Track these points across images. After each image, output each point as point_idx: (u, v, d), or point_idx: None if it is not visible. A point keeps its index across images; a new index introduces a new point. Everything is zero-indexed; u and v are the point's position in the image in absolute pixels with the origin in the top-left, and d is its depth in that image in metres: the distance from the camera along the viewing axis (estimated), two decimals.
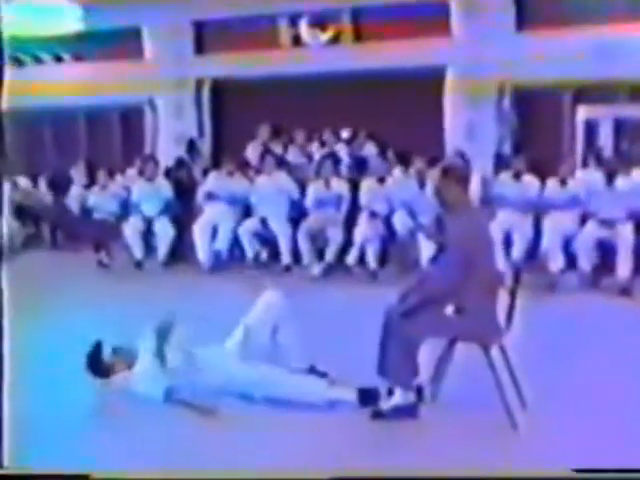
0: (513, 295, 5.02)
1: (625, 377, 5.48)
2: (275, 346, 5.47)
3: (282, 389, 5.12)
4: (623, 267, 8.63)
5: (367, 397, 5.05)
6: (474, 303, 4.82)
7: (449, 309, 4.94)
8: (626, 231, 8.73)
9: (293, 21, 12.76)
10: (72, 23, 12.39)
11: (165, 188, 10.95)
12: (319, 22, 12.60)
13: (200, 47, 13.42)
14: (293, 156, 12.02)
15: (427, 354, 5.01)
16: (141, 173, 11.24)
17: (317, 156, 11.61)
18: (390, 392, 5.00)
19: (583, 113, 11.55)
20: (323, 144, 12.27)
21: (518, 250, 9.00)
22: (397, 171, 10.39)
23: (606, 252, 8.90)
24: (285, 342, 5.49)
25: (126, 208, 11.02)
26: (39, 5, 11.91)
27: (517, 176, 9.54)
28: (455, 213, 5.02)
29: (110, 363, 5.41)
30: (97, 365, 5.40)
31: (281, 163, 11.00)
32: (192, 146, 12.58)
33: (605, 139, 11.37)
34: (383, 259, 9.77)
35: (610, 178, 9.05)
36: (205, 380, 5.18)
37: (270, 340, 5.48)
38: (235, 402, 5.09)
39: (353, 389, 5.10)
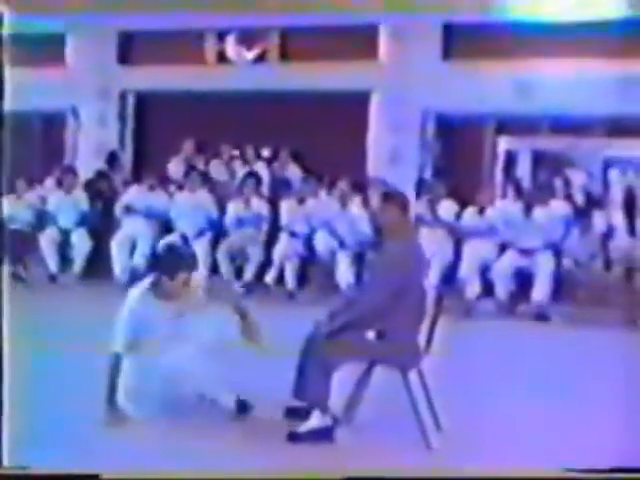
0: (434, 320, 5.03)
1: (539, 401, 5.54)
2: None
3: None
4: (540, 293, 8.80)
5: (294, 414, 4.99)
6: (397, 327, 4.80)
7: (370, 333, 4.91)
8: (544, 259, 8.90)
9: (220, 37, 12.72)
10: None
11: (83, 200, 10.77)
12: (246, 39, 12.58)
13: (125, 58, 13.26)
14: (216, 173, 11.93)
15: (344, 376, 4.97)
16: (59, 183, 11.04)
17: (239, 174, 11.54)
18: (305, 414, 4.94)
19: (503, 144, 11.76)
20: (246, 162, 12.21)
21: (438, 275, 9.07)
22: (319, 192, 10.41)
23: (523, 280, 9.06)
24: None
25: (42, 219, 10.78)
26: None
27: (435, 202, 9.64)
28: (392, 239, 4.99)
29: None
30: None
31: (204, 180, 10.91)
32: (113, 158, 12.38)
33: (524, 170, 11.58)
34: (303, 280, 9.75)
35: (528, 208, 9.22)
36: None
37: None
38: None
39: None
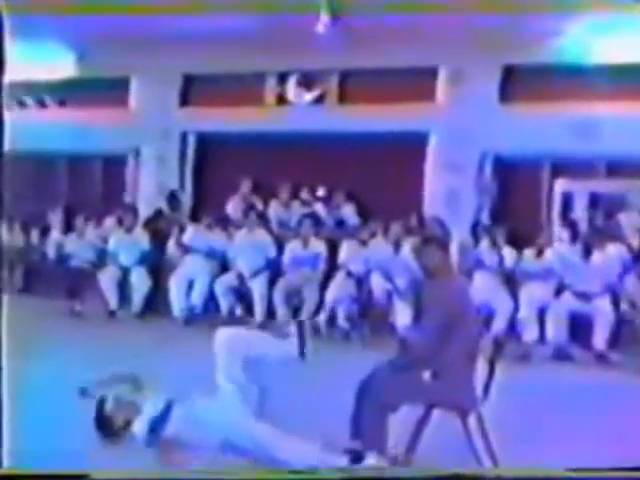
0: (492, 364, 5.02)
1: (599, 447, 5.47)
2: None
3: (278, 450, 5.03)
4: (600, 338, 8.71)
5: (356, 460, 4.98)
6: (451, 370, 4.82)
7: (426, 374, 4.93)
8: (602, 304, 8.82)
9: (281, 79, 12.90)
10: (62, 69, 12.45)
11: (143, 239, 10.94)
12: (306, 82, 12.74)
13: (187, 100, 13.51)
14: (274, 213, 12.05)
15: (402, 418, 4.98)
16: (120, 222, 11.24)
17: (297, 214, 11.64)
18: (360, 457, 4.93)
19: (560, 186, 11.69)
20: (303, 202, 12.31)
21: (499, 321, 9.02)
22: (374, 234, 10.44)
23: (579, 324, 8.97)
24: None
25: (103, 257, 10.98)
26: (34, 49, 11.93)
27: (495, 245, 9.61)
28: (435, 279, 5.06)
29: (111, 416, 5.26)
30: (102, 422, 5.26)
31: (262, 219, 11.03)
32: (173, 198, 12.58)
33: (581, 213, 11.49)
34: (358, 320, 9.75)
35: (585, 251, 9.15)
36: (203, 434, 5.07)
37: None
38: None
39: (343, 454, 5.00)
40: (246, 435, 4.98)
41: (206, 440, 4.98)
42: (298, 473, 3.94)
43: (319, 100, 12.77)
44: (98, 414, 5.08)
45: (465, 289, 5.27)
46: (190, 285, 10.40)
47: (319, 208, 12.03)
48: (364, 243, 10.17)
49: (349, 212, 12.01)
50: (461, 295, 5.15)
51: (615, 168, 11.26)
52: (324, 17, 10.21)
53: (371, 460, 4.84)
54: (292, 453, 4.96)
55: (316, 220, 10.87)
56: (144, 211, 11.90)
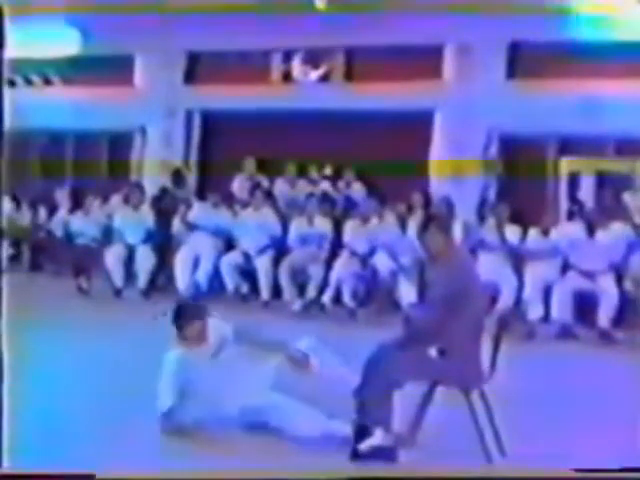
0: (497, 342, 5.04)
1: (603, 426, 5.49)
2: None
3: (286, 418, 5.14)
4: (604, 317, 8.72)
5: (362, 433, 5.02)
6: (458, 347, 4.85)
7: (433, 351, 4.95)
8: (607, 283, 8.81)
9: (286, 57, 12.87)
10: (67, 47, 12.44)
11: (149, 217, 10.94)
12: (312, 59, 12.70)
13: (191, 78, 13.49)
14: (280, 191, 12.04)
15: (406, 398, 4.99)
16: (126, 200, 11.24)
17: (303, 192, 11.63)
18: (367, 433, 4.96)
19: (567, 165, 11.67)
20: (310, 181, 12.31)
21: (505, 299, 9.00)
22: (381, 212, 10.43)
23: (585, 302, 8.97)
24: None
25: (109, 235, 10.99)
26: (36, 27, 11.93)
27: (500, 224, 9.60)
28: (438, 259, 5.08)
29: None
30: None
31: (268, 198, 11.02)
32: (178, 175, 12.56)
33: (587, 191, 11.47)
34: (363, 299, 9.76)
35: (591, 230, 9.14)
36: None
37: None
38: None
39: (349, 424, 5.05)
40: (261, 407, 5.09)
41: (226, 419, 5.12)
42: (298, 473, 3.96)
43: (325, 78, 12.75)
44: None
45: (470, 268, 5.28)
46: (196, 263, 10.40)
47: (326, 186, 12.02)
48: (370, 221, 10.15)
49: (357, 190, 11.98)
50: (465, 274, 5.16)
51: (622, 147, 11.23)
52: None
53: (377, 435, 4.89)
54: (300, 421, 5.05)
55: (322, 198, 10.85)
56: (150, 189, 11.89)
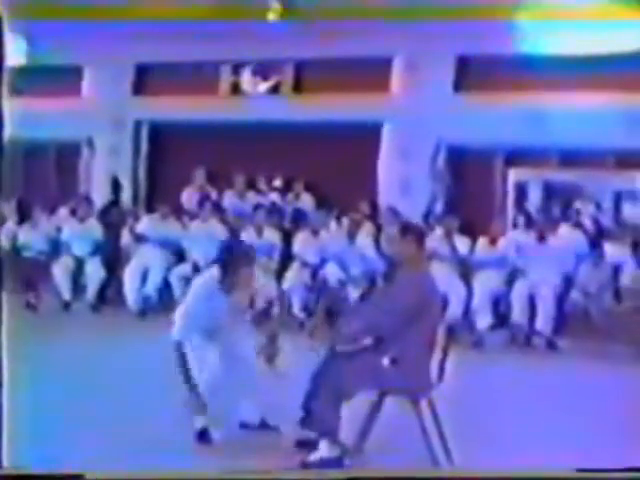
0: (445, 350, 5.08)
1: (552, 431, 5.55)
2: None
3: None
4: (542, 323, 8.85)
5: (306, 444, 5.03)
6: (409, 355, 4.87)
7: (385, 360, 4.96)
8: (545, 289, 8.93)
9: (236, 69, 12.86)
10: (14, 57, 12.28)
11: (97, 229, 10.84)
12: (261, 71, 12.71)
13: (140, 89, 13.40)
14: (229, 203, 12.00)
15: (354, 407, 5.00)
16: (73, 213, 11.13)
17: (252, 204, 11.61)
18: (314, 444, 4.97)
19: (514, 175, 11.80)
20: (259, 192, 12.29)
21: (454, 308, 9.05)
22: (330, 224, 10.47)
23: (532, 311, 9.08)
24: None
25: (56, 248, 10.86)
26: None
27: (449, 234, 9.67)
28: (406, 268, 5.10)
29: None
30: None
31: (217, 210, 10.99)
32: (117, 185, 12.41)
33: (535, 201, 11.61)
34: (313, 309, 9.77)
35: (540, 239, 9.25)
36: None
37: None
38: None
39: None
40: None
41: None
42: (298, 473, 3.97)
43: (274, 90, 12.76)
44: None
45: (434, 283, 5.31)
46: (145, 276, 10.33)
47: (275, 198, 12.02)
48: (319, 233, 10.17)
49: (306, 202, 12.00)
50: (430, 283, 5.20)
51: (568, 158, 11.38)
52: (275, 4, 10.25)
53: (323, 449, 4.89)
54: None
55: (271, 210, 10.85)
56: (98, 201, 11.78)
